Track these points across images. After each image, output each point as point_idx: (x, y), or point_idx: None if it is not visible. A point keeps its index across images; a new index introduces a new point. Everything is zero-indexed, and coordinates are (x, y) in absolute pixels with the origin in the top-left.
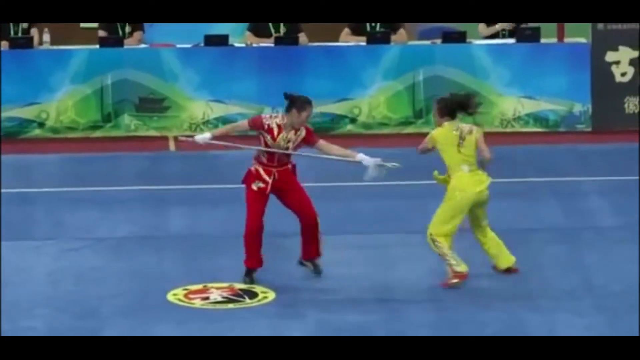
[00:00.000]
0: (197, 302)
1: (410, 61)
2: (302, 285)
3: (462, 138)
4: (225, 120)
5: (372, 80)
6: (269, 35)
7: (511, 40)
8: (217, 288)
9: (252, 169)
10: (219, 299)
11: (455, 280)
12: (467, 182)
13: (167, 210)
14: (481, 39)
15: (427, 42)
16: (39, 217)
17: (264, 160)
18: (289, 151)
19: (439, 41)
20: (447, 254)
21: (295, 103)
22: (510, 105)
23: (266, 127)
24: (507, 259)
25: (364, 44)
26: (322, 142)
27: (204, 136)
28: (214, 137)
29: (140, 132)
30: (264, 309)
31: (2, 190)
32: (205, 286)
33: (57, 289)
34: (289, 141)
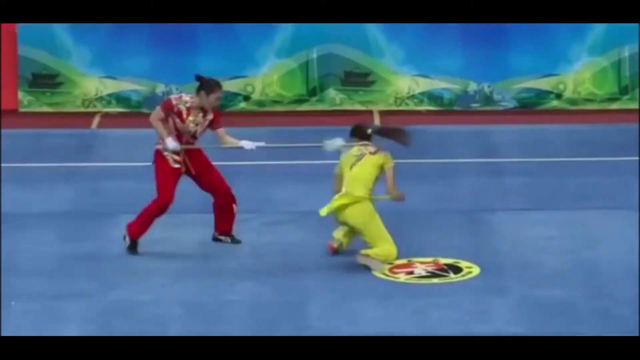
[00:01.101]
0: (402, 277)
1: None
2: (506, 261)
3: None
4: (430, 95)
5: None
6: None
7: None
8: (422, 262)
9: (163, 151)
10: (424, 273)
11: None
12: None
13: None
14: None
15: None
16: (244, 191)
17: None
18: (197, 135)
19: None
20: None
21: (205, 85)
22: None
23: (176, 109)
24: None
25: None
26: (222, 130)
27: (174, 145)
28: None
29: (346, 106)
30: (468, 284)
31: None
32: (409, 260)
33: (261, 262)
34: (197, 124)
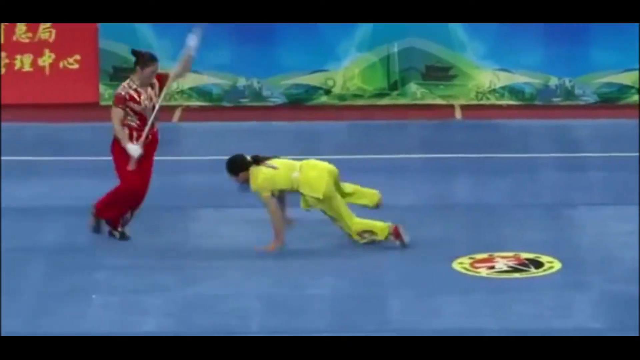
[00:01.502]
0: (483, 271)
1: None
2: (587, 256)
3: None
4: (511, 89)
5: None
6: None
7: None
8: (503, 257)
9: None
10: (505, 268)
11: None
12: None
13: (452, 178)
14: None
15: None
16: None
17: (136, 125)
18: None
19: None
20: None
21: (139, 60)
22: None
23: (127, 97)
24: None
25: None
26: (169, 75)
27: (139, 151)
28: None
29: (427, 100)
30: (549, 279)
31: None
32: (490, 255)
33: (342, 256)
34: (151, 98)
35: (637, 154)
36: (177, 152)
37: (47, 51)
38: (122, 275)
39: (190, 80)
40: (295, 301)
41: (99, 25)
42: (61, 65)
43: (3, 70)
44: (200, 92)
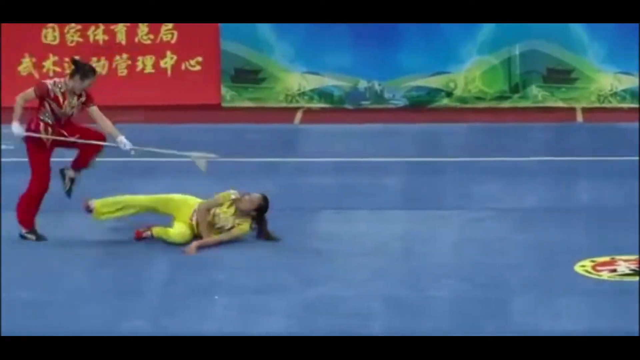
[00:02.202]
0: (605, 274)
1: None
2: None
3: None
4: (632, 92)
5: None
6: None
7: None
8: (625, 260)
9: (39, 126)
10: (627, 271)
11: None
12: None
13: (573, 181)
14: None
15: None
16: (447, 187)
17: (51, 121)
18: (72, 121)
19: None
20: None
21: (79, 70)
22: None
23: (52, 95)
24: None
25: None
26: (96, 108)
27: (20, 130)
28: (21, 121)
29: (548, 102)
30: None
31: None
32: (612, 258)
33: (463, 258)
34: (73, 107)
35: None
36: (299, 154)
37: (168, 53)
38: (243, 276)
39: (312, 82)
40: (416, 303)
41: (220, 26)
42: (183, 66)
43: (125, 72)
44: (322, 94)
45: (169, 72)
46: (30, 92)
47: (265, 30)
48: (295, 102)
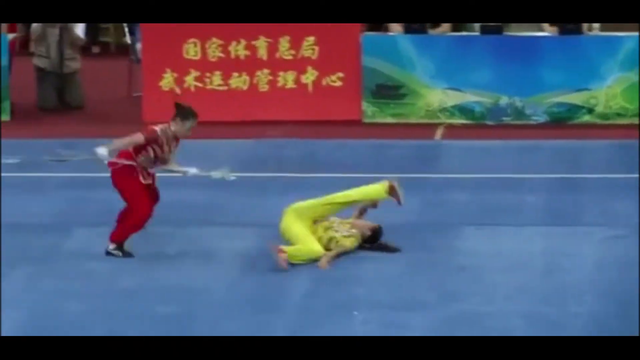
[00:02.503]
0: None
1: None
2: None
3: None
4: None
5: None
6: None
7: None
8: None
9: (135, 166)
10: None
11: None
12: None
13: None
14: None
15: None
16: (588, 203)
17: (149, 167)
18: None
19: None
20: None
21: (181, 112)
22: None
23: (160, 141)
24: None
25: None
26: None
27: (102, 153)
28: (111, 152)
29: None
30: None
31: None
32: None
33: (604, 275)
34: (171, 152)
35: None
36: (440, 170)
37: (309, 68)
38: (382, 291)
39: (453, 98)
40: (557, 319)
41: (361, 42)
42: (324, 82)
43: (266, 87)
44: (463, 110)
45: (310, 87)
46: (140, 138)
47: (406, 45)
48: (436, 118)
